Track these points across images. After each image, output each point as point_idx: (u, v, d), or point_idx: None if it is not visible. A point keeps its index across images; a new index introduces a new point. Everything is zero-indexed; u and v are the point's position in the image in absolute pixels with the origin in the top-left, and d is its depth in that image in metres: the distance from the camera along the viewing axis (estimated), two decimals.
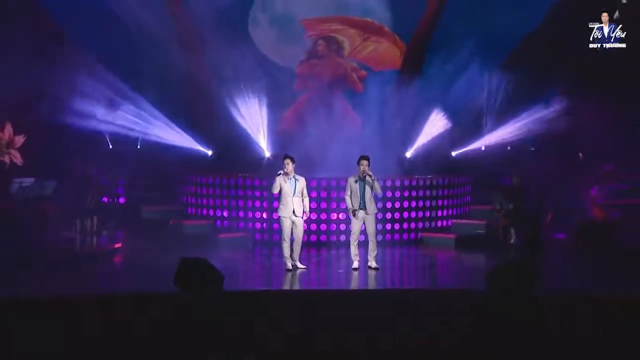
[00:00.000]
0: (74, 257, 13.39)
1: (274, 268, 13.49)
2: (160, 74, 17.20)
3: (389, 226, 15.52)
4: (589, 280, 12.31)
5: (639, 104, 16.92)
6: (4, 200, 15.34)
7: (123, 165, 16.93)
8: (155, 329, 5.76)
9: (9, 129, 16.19)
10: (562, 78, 17.59)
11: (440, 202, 16.14)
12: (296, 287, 12.06)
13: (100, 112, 16.55)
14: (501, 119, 17.92)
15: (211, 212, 16.01)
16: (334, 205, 15.19)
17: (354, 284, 12.21)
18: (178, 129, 17.22)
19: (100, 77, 16.39)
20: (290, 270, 12.61)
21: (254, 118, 17.17)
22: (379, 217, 14.46)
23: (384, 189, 14.52)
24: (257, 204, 15.51)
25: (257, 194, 15.52)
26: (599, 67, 17.56)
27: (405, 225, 15.69)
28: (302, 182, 12.68)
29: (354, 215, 12.69)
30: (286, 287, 12.05)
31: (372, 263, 12.76)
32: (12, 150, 16.13)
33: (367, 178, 12.54)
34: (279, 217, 12.78)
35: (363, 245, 13.11)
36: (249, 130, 17.25)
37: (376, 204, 13.02)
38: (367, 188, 12.61)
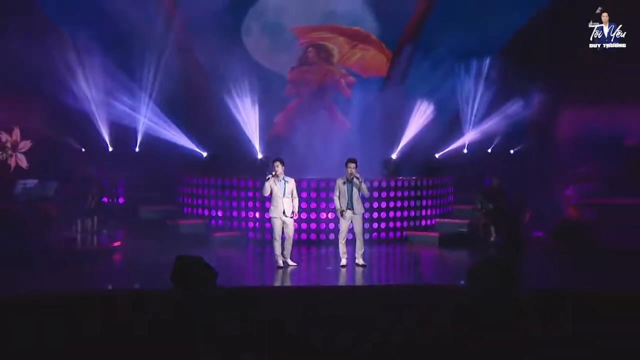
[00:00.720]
0: (75, 256, 13.37)
1: (266, 265, 13.52)
2: (156, 76, 17.11)
3: (375, 225, 15.55)
4: (565, 277, 12.34)
5: (618, 105, 16.91)
6: (8, 201, 15.30)
7: (122, 167, 16.90)
8: (153, 326, 5.77)
9: (16, 133, 16.16)
10: (542, 76, 17.55)
11: (424, 202, 16.18)
12: (287, 283, 12.06)
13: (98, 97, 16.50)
14: (482, 117, 17.96)
15: (206, 212, 16.01)
16: (323, 205, 15.19)
17: (342, 281, 12.21)
18: (174, 127, 17.18)
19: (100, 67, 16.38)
20: (281, 267, 12.61)
21: (247, 121, 17.16)
22: (366, 217, 14.50)
23: (370, 189, 14.55)
24: (250, 204, 15.52)
25: (250, 194, 15.53)
26: (584, 67, 17.50)
27: (391, 224, 15.72)
28: (291, 183, 12.68)
29: (342, 215, 12.71)
30: (277, 283, 12.06)
31: (360, 260, 12.78)
32: (17, 154, 16.10)
33: (355, 180, 12.56)
34: (270, 217, 12.79)
35: (351, 243, 13.13)
36: (243, 133, 17.23)
37: (363, 204, 13.04)
38: (355, 189, 12.63)
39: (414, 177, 16.23)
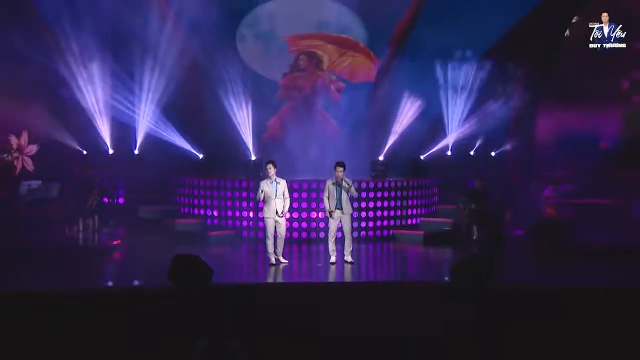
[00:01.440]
0: (77, 253, 13.42)
1: (259, 262, 13.55)
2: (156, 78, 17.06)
3: (363, 224, 15.60)
4: (544, 272, 12.43)
5: (593, 109, 16.98)
6: (14, 202, 15.30)
7: (122, 168, 16.89)
8: (150, 321, 5.80)
9: (24, 137, 16.13)
10: (523, 77, 17.56)
11: (410, 202, 16.25)
12: (279, 279, 12.12)
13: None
14: (465, 118, 18.00)
15: (202, 212, 16.04)
16: (314, 205, 15.24)
17: (332, 277, 12.28)
18: (172, 129, 17.17)
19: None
20: (273, 264, 12.66)
21: (241, 124, 17.17)
22: (355, 216, 14.54)
23: (359, 190, 14.60)
24: (244, 204, 15.56)
25: (244, 195, 15.58)
26: (563, 70, 17.51)
27: (378, 223, 15.78)
28: (282, 184, 12.72)
29: (331, 216, 12.79)
30: (270, 279, 12.11)
31: (348, 257, 12.85)
32: (24, 157, 16.08)
33: (344, 183, 12.63)
34: (263, 217, 12.83)
35: (340, 241, 13.20)
36: (237, 135, 17.22)
37: (352, 205, 13.10)
38: (344, 190, 12.70)
39: (400, 178, 16.30)
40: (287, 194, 12.78)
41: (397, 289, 10.80)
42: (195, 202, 16.17)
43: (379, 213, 15.78)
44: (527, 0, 17.69)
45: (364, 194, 15.53)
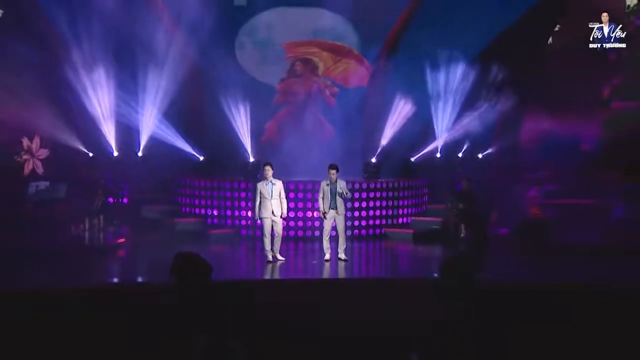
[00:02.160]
0: (83, 251, 13.45)
1: (257, 260, 13.60)
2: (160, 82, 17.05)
3: (356, 223, 15.66)
4: (528, 270, 12.48)
5: (575, 111, 16.97)
6: (23, 203, 15.31)
7: (126, 170, 16.89)
8: (151, 318, 5.83)
9: (36, 141, 16.13)
10: (509, 80, 17.55)
11: (401, 202, 16.31)
12: (276, 276, 12.17)
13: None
14: (454, 121, 18.02)
15: (202, 211, 16.07)
16: (309, 204, 15.29)
17: (326, 273, 12.34)
18: (174, 131, 17.18)
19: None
20: (270, 261, 12.72)
21: (240, 128, 17.19)
22: (348, 215, 14.60)
23: (352, 190, 14.66)
24: (243, 204, 15.59)
25: (243, 195, 15.61)
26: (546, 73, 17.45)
27: (370, 222, 15.84)
28: (278, 185, 12.75)
29: (324, 217, 12.84)
30: (267, 276, 12.16)
31: (342, 255, 12.90)
32: (35, 160, 16.07)
33: (338, 188, 12.67)
34: (261, 217, 12.86)
35: (334, 239, 13.24)
36: (236, 137, 17.24)
37: (345, 205, 13.15)
38: (338, 191, 12.75)
39: (391, 179, 16.35)
40: (283, 195, 12.81)
41: (388, 284, 10.85)
42: (196, 202, 16.20)
43: (371, 212, 15.83)
44: (516, 7, 17.67)
45: (357, 194, 15.58)
